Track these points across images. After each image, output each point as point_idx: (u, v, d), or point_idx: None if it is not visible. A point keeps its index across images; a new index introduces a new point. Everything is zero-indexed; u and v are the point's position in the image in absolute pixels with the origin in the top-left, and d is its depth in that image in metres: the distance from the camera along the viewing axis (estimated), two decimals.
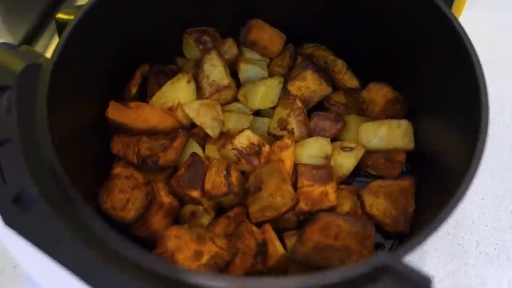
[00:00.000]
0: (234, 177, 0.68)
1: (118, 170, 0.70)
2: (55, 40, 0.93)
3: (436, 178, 0.68)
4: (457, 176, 0.58)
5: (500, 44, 0.98)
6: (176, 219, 0.70)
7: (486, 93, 0.58)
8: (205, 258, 0.60)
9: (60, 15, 0.69)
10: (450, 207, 0.55)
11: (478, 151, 0.57)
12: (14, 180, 0.48)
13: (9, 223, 0.45)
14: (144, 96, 0.77)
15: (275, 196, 0.65)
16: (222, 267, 0.61)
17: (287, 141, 0.71)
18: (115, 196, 0.63)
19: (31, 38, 0.96)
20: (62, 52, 0.57)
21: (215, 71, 0.76)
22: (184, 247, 0.60)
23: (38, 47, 0.96)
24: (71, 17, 0.63)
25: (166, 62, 0.82)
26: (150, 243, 0.65)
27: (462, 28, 0.62)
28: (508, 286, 0.73)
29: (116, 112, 0.71)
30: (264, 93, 0.75)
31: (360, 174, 0.76)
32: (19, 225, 0.43)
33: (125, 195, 0.64)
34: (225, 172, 0.67)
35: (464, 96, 0.63)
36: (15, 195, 0.47)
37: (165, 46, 0.81)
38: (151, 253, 0.46)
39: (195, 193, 0.67)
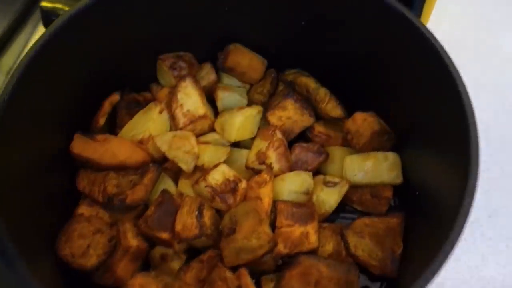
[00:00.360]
0: (207, 217, 0.63)
1: (82, 209, 0.65)
2: (40, 29, 0.93)
3: (426, 215, 0.63)
4: (449, 215, 0.54)
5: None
6: (146, 261, 0.65)
7: (475, 125, 0.54)
8: None
9: (44, 3, 0.67)
10: (442, 256, 0.50)
11: (470, 188, 0.52)
12: None
13: None
14: (113, 127, 0.72)
15: (251, 239, 0.60)
16: None
17: (265, 176, 0.66)
18: (74, 242, 0.58)
19: (14, 28, 0.93)
20: (15, 88, 0.52)
21: (189, 100, 0.71)
22: None
23: (21, 37, 0.93)
24: (57, 5, 0.60)
25: (141, 89, 0.77)
26: None
27: (446, 53, 0.58)
28: (482, 262, 0.74)
29: (81, 146, 0.66)
30: (241, 124, 0.70)
31: (345, 210, 0.71)
32: None
33: (85, 241, 0.58)
34: (196, 212, 0.62)
35: (452, 126, 0.59)
36: None
37: (139, 73, 0.77)
38: None
39: (165, 235, 0.62)
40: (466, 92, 0.56)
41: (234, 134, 0.70)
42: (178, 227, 0.62)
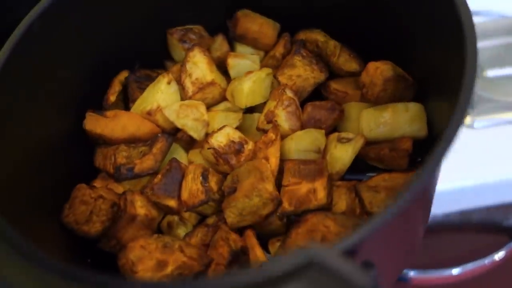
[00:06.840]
0: (213, 182, 0.62)
1: (96, 183, 0.67)
2: None
3: None
4: None
5: None
6: (159, 232, 0.65)
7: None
8: (169, 269, 0.53)
9: None
10: None
11: None
12: None
13: None
14: (127, 102, 0.74)
15: (252, 197, 0.57)
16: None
17: (271, 135, 0.63)
18: (76, 208, 0.59)
19: None
20: (9, 60, 0.54)
21: (197, 69, 0.70)
22: (146, 257, 0.54)
23: None
24: None
25: (154, 66, 0.78)
26: None
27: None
28: None
29: (93, 123, 0.68)
30: (250, 89, 0.67)
31: (367, 169, 0.65)
32: None
33: (87, 207, 0.59)
34: (201, 178, 0.61)
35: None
36: None
37: (150, 50, 0.77)
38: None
39: (172, 202, 0.61)
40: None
41: (244, 99, 0.68)
42: (184, 195, 0.61)
